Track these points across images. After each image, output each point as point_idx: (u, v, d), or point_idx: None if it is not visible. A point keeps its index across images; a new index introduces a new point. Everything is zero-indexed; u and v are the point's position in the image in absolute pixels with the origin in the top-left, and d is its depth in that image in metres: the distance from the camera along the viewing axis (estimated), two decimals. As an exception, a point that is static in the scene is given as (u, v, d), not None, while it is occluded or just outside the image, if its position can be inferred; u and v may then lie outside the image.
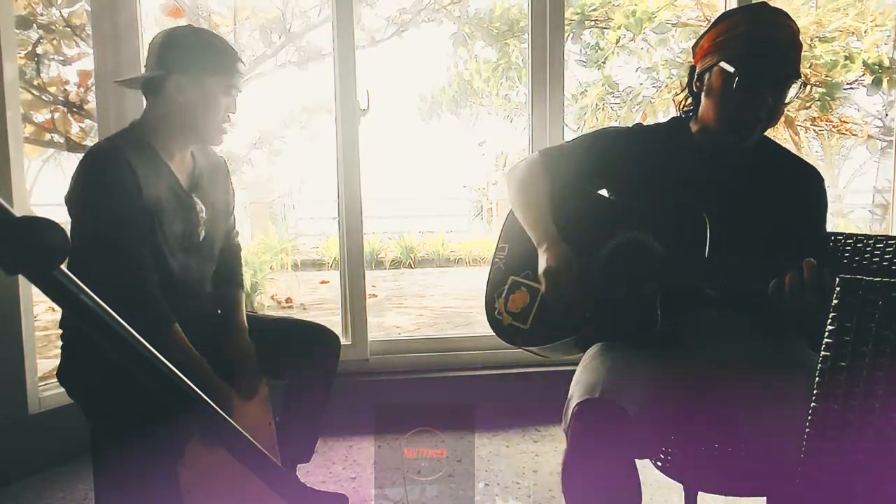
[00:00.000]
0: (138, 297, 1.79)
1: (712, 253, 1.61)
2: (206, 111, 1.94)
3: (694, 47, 1.82)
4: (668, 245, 1.67)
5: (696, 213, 1.65)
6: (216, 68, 1.93)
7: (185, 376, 0.73)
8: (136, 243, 1.81)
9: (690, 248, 1.63)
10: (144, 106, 1.98)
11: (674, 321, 1.68)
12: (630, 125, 1.97)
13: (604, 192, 1.97)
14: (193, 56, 1.91)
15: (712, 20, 1.78)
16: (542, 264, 1.74)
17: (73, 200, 1.81)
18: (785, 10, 1.69)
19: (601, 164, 1.89)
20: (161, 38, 1.93)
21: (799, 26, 1.68)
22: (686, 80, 1.87)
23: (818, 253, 1.47)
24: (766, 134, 1.83)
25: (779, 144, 1.89)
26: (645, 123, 2.00)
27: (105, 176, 1.79)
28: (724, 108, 1.71)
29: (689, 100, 1.88)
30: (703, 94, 1.78)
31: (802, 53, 1.68)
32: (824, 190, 1.80)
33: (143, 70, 2.00)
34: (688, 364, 1.71)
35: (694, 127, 1.85)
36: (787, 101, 1.69)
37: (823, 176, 1.84)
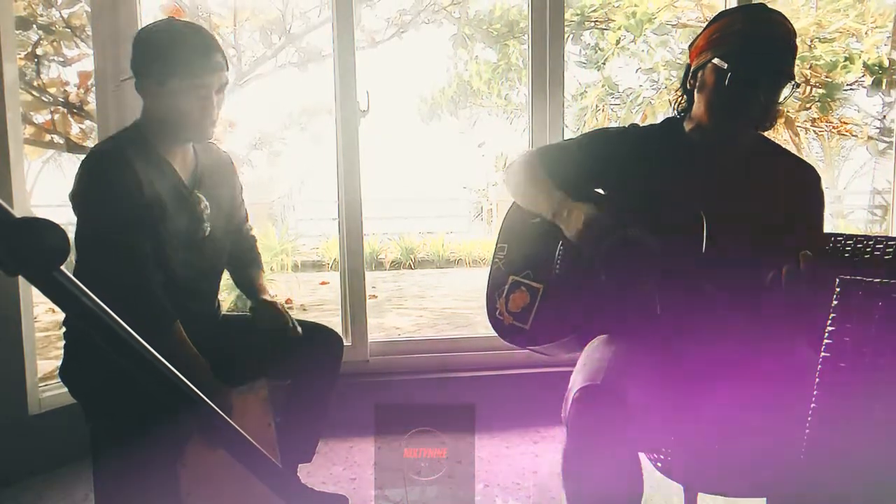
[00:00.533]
0: (140, 295, 1.79)
1: (709, 250, 1.61)
2: (178, 113, 1.88)
3: (690, 47, 1.83)
4: (666, 243, 1.68)
5: (693, 210, 1.65)
6: (178, 70, 1.83)
7: (183, 375, 0.73)
8: (139, 242, 1.82)
9: (688, 246, 1.63)
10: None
11: (672, 318, 1.68)
12: (626, 125, 1.98)
13: (599, 192, 1.97)
14: (155, 58, 1.84)
15: None
16: (574, 225, 1.72)
17: (76, 200, 1.82)
18: (785, 11, 1.70)
19: (597, 164, 1.90)
20: (134, 39, 1.90)
21: (798, 27, 1.68)
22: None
23: (815, 249, 1.47)
24: (764, 134, 1.84)
25: (775, 143, 1.89)
26: (640, 124, 2.00)
27: (107, 176, 1.80)
28: (716, 103, 1.72)
29: (684, 99, 1.89)
30: (696, 91, 1.79)
31: (802, 54, 1.69)
32: (820, 187, 1.80)
33: None
34: (687, 361, 1.71)
35: (688, 126, 1.86)
36: (779, 101, 1.70)
37: (821, 175, 1.84)
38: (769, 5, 1.71)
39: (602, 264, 1.70)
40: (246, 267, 2.25)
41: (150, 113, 1.93)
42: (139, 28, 1.93)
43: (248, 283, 2.22)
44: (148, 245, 1.84)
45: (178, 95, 1.85)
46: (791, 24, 1.67)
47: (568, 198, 1.79)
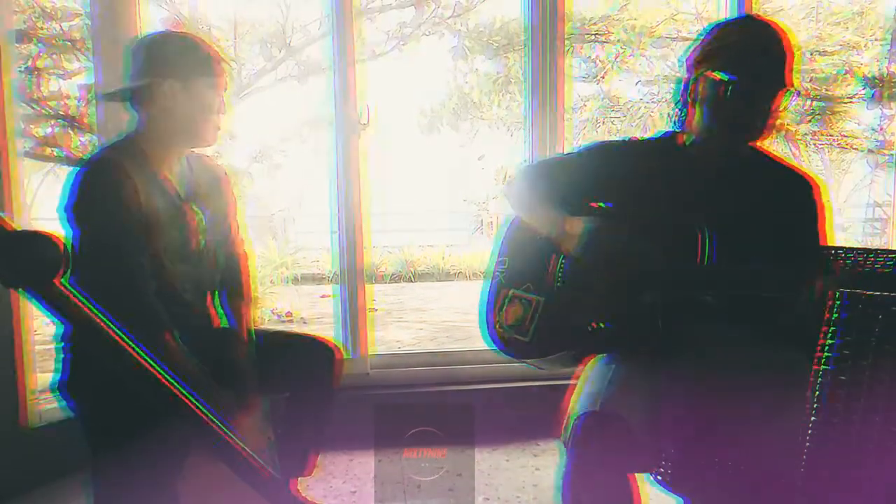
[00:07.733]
0: (135, 305, 1.78)
1: (708, 262, 1.61)
2: (198, 112, 1.93)
3: (685, 60, 1.84)
4: (665, 256, 1.68)
5: (691, 223, 1.65)
6: (201, 69, 1.92)
7: (183, 384, 0.73)
8: (133, 252, 1.81)
9: (686, 259, 1.63)
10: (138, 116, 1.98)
11: (673, 333, 1.67)
12: (624, 139, 1.98)
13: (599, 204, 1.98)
14: (178, 59, 1.90)
15: None
16: (571, 240, 1.78)
17: (69, 211, 1.81)
18: (785, 23, 1.71)
19: (596, 177, 1.90)
20: (142, 46, 1.92)
21: (796, 37, 1.68)
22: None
23: (812, 260, 1.47)
24: (761, 145, 1.84)
25: (771, 154, 1.89)
26: (638, 138, 2.01)
27: (101, 186, 1.80)
28: (711, 114, 1.73)
29: (678, 112, 1.89)
30: (692, 103, 1.79)
31: (802, 67, 1.69)
32: (814, 197, 1.79)
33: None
34: (688, 377, 1.71)
35: (685, 138, 1.86)
36: (775, 109, 1.70)
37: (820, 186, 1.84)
38: (772, 19, 1.72)
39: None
40: (231, 296, 2.18)
41: (156, 121, 1.93)
42: (140, 38, 1.92)
43: (234, 315, 2.16)
44: (142, 255, 1.84)
45: (201, 94, 1.92)
46: (785, 33, 1.68)
47: (567, 214, 1.82)
